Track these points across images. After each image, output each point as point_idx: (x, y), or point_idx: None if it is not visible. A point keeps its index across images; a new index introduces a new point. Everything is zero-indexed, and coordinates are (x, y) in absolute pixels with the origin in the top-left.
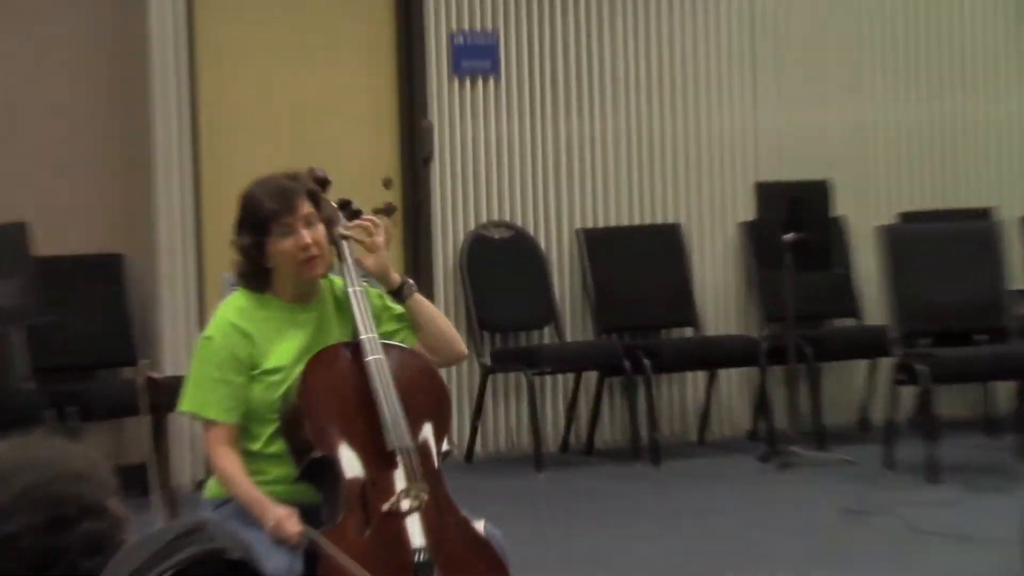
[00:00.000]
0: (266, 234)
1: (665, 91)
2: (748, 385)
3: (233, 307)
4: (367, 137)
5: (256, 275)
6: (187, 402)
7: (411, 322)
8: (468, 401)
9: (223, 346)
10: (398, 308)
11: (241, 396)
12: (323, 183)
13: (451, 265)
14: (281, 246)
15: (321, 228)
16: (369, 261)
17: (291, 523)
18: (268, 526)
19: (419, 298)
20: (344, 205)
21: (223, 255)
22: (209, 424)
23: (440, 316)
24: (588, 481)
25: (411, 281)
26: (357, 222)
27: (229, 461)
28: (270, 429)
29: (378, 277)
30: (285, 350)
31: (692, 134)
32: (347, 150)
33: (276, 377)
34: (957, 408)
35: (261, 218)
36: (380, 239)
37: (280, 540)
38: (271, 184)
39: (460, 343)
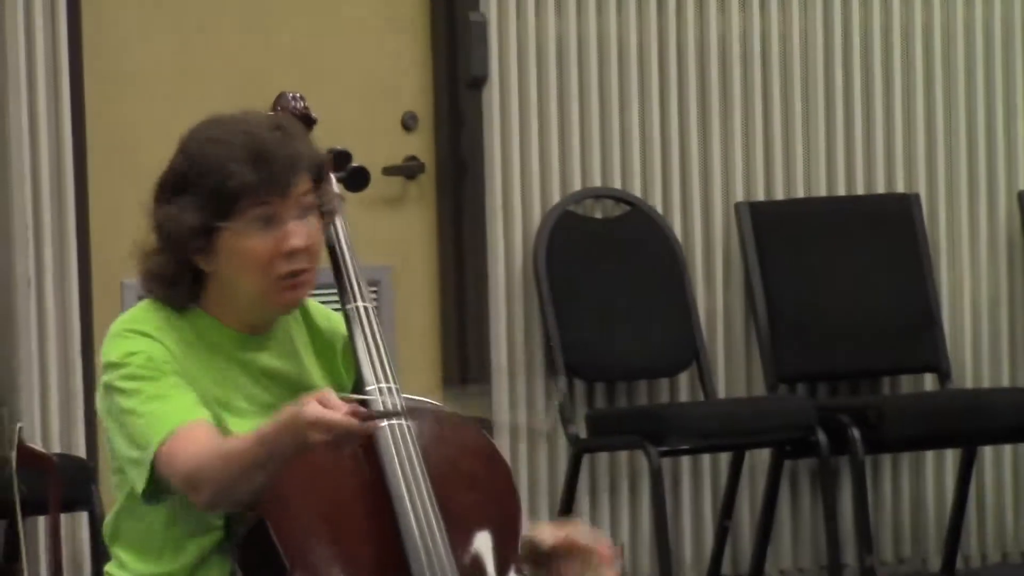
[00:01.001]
0: (228, 218)
1: None
2: None
3: (139, 320)
4: (375, 44)
5: (178, 279)
6: (146, 435)
7: None
8: (549, 500)
9: (155, 352)
10: None
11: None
12: (303, 121)
13: (518, 268)
14: (249, 244)
15: (317, 224)
16: None
17: (330, 399)
18: (307, 423)
19: None
20: (341, 161)
21: (121, 246)
22: (173, 441)
23: None
24: None
25: None
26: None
27: (204, 442)
28: (201, 544)
29: None
30: (232, 410)
31: (934, 29)
32: (341, 66)
33: None
34: None
35: (230, 191)
36: None
37: (338, 430)
38: (249, 134)
39: None
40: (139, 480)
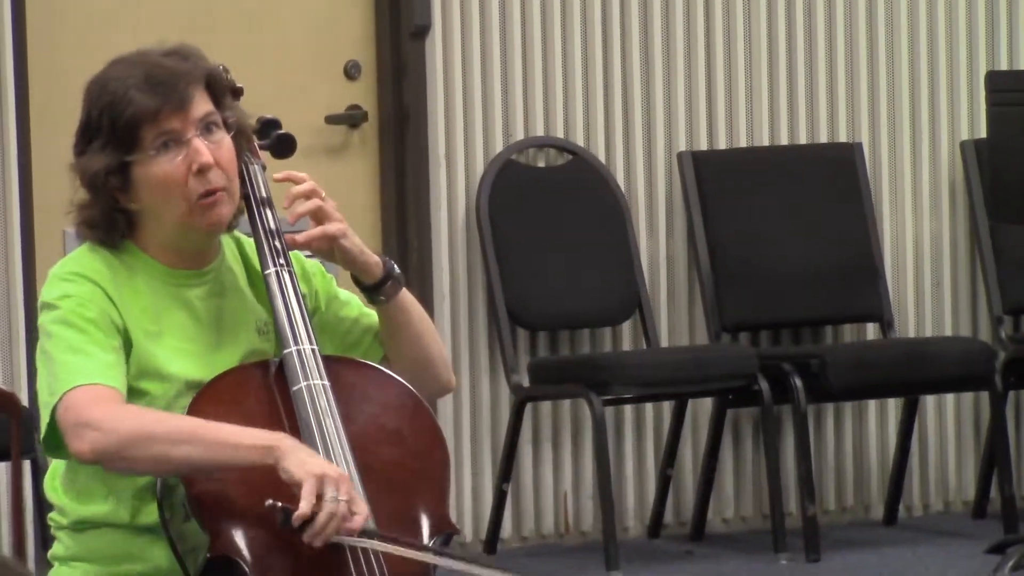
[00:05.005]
0: (133, 150)
1: None
2: (973, 425)
3: (79, 263)
4: None
5: (112, 224)
6: (54, 385)
7: (377, 331)
8: (491, 449)
9: (90, 299)
10: (352, 303)
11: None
12: (230, 93)
13: (460, 217)
14: (160, 170)
15: (228, 141)
16: (323, 238)
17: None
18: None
19: (407, 298)
20: (267, 128)
21: (62, 197)
22: (81, 390)
23: (431, 329)
24: None
25: (396, 268)
26: (284, 174)
27: (136, 412)
28: (139, 481)
29: (346, 264)
30: (169, 347)
31: None
32: (283, 15)
33: (157, 388)
34: None
35: (127, 122)
36: (330, 204)
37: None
38: (142, 64)
39: (447, 368)
40: (43, 396)
